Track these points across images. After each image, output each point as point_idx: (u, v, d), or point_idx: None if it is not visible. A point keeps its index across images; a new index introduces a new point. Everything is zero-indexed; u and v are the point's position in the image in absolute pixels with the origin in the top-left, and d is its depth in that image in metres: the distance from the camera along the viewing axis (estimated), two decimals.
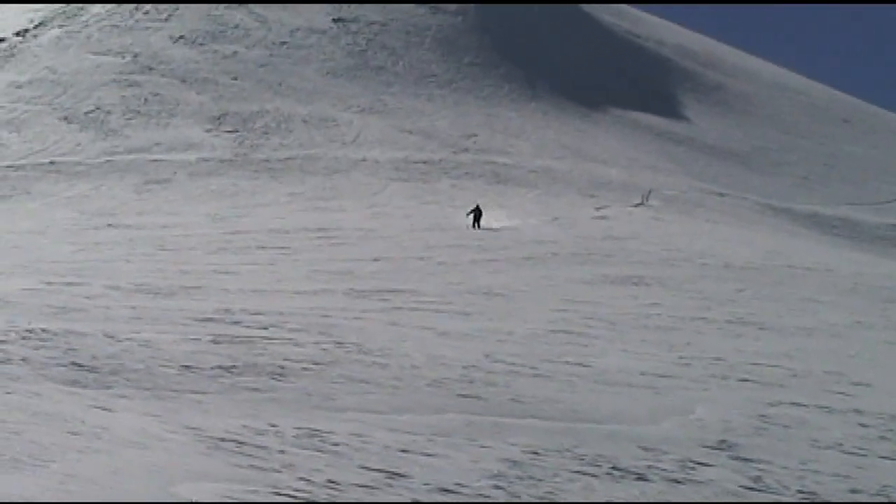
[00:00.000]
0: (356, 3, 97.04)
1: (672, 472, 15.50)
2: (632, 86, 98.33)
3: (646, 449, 16.45)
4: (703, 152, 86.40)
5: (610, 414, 18.53)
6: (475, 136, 77.18)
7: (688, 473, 15.53)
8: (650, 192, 65.38)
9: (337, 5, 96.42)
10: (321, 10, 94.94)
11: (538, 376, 21.41)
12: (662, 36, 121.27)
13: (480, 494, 13.88)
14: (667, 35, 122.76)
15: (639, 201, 62.78)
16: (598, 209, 59.58)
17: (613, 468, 15.38)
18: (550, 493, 14.19)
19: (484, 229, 48.71)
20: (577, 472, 15.15)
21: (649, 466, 15.60)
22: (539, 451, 15.89)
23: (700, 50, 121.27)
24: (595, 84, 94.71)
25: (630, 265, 42.08)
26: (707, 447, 16.87)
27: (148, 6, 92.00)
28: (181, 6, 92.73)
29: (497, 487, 14.22)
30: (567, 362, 23.17)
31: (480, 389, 19.92)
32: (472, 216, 54.63)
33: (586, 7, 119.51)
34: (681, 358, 24.53)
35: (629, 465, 15.58)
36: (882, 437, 18.38)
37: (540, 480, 14.66)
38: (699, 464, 15.95)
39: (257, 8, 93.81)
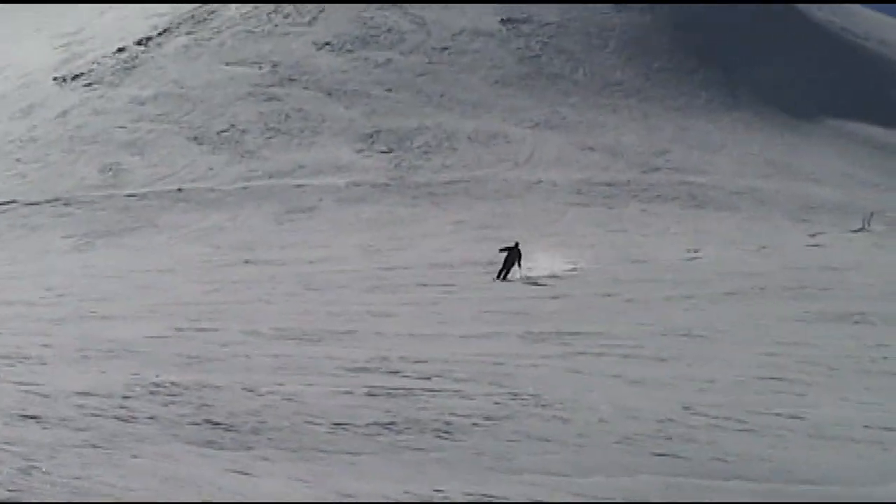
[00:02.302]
0: (529, 3, 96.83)
1: None
2: (849, 92, 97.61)
3: None
4: None
5: (829, 474, 18.41)
6: (667, 152, 77.03)
7: None
8: (872, 214, 64.87)
9: (507, 5, 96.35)
10: (488, 9, 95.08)
11: (745, 431, 21.29)
12: (884, 35, 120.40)
13: None
14: (890, 33, 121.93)
15: (859, 226, 62.33)
16: (811, 236, 59.29)
17: None
18: None
19: (530, 278, 46.85)
20: None
21: None
22: None
23: None
24: (805, 91, 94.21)
25: (851, 300, 41.69)
26: None
27: (289, 7, 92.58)
28: (326, 7, 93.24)
29: None
30: (778, 414, 23.01)
31: (678, 447, 19.85)
32: (505, 257, 48.66)
33: (798, 4, 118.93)
34: None
35: None
36: None
37: None
38: None
39: (414, 8, 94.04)
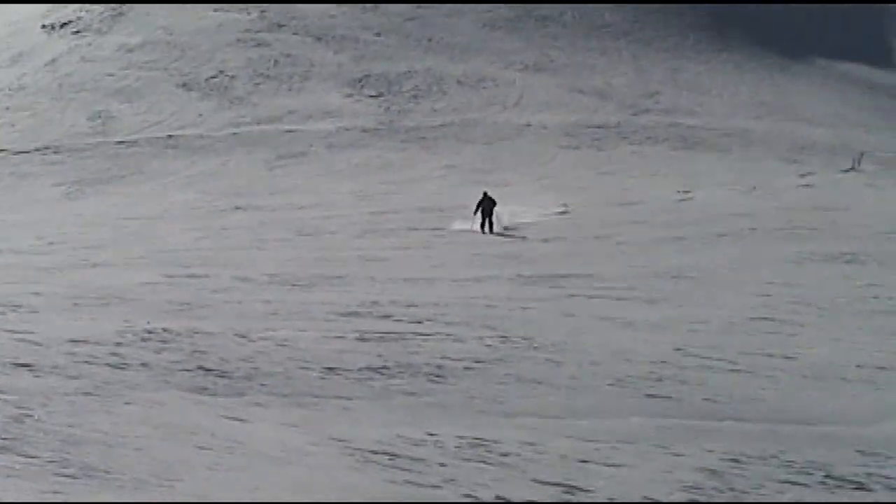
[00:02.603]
0: None
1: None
2: (839, 31, 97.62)
3: (865, 453, 16.38)
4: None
5: (822, 414, 18.47)
6: (657, 94, 77.05)
7: None
8: (862, 154, 64.98)
9: None
10: None
11: (737, 371, 21.36)
12: None
13: None
14: None
15: (850, 166, 62.41)
16: (802, 176, 59.34)
17: (827, 476, 15.33)
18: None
19: (509, 229, 45.46)
20: (786, 481, 15.10)
21: (870, 474, 15.54)
22: (740, 459, 15.87)
23: None
24: (796, 30, 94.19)
25: (842, 241, 41.77)
26: None
27: None
28: None
29: (693, 502, 14.22)
30: (770, 355, 23.07)
31: (671, 388, 19.91)
32: (479, 212, 47.17)
33: None
34: None
35: (846, 473, 15.52)
36: None
37: (743, 493, 14.65)
38: None
39: None
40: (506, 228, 45.54)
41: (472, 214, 46.78)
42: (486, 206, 46.32)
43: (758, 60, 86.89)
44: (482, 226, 46.03)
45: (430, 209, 49.63)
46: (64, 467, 14.40)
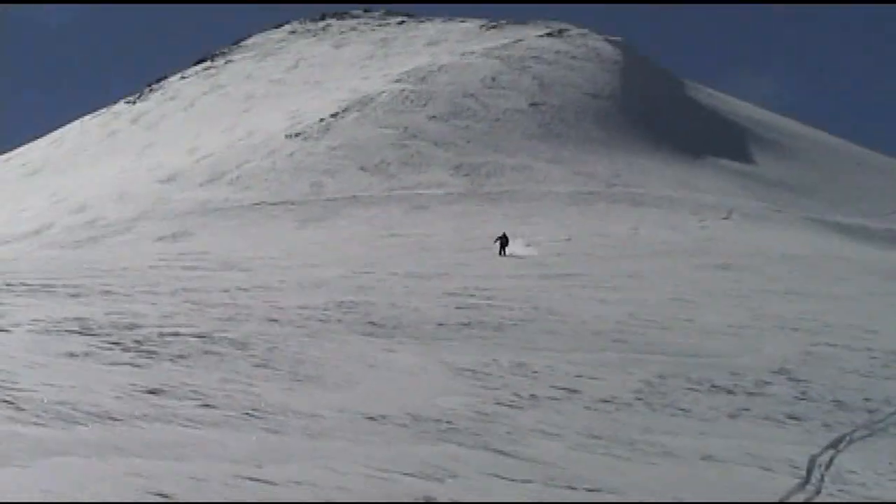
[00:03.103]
0: (545, 94, 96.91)
1: (749, 388, 15.47)
2: (720, 143, 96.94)
3: (732, 373, 16.42)
4: (765, 184, 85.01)
5: (710, 351, 18.49)
6: (619, 175, 76.67)
7: (759, 389, 15.48)
8: (732, 210, 64.64)
9: (531, 94, 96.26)
10: (521, 96, 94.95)
11: (663, 328, 21.36)
12: (737, 110, 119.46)
13: (627, 404, 13.92)
14: (741, 109, 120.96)
15: (725, 216, 62.14)
16: (700, 221, 58.91)
17: (712, 386, 15.38)
18: (673, 402, 14.20)
19: (510, 256, 43.74)
20: (689, 388, 15.17)
21: (735, 385, 15.60)
22: (665, 376, 15.90)
23: (762, 118, 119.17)
24: (700, 143, 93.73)
25: (721, 257, 41.62)
26: (772, 372, 16.80)
27: (413, 96, 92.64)
28: (435, 95, 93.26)
29: (638, 399, 14.26)
30: (682, 319, 23.08)
31: (627, 336, 19.93)
32: (499, 243, 45.90)
33: (690, 89, 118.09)
34: (754, 316, 24.30)
35: (722, 384, 15.57)
36: (885, 366, 18.22)
37: (665, 394, 14.69)
38: (766, 383, 15.91)
39: (482, 96, 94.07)
40: (510, 254, 44.77)
41: (493, 243, 46.17)
42: (503, 240, 45.48)
43: (676, 159, 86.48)
44: (500, 252, 44.76)
45: (494, 237, 49.61)
46: (294, 376, 14.53)
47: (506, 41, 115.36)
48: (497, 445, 11.23)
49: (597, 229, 52.98)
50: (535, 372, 15.80)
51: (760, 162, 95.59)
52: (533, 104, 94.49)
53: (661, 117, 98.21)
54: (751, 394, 15.09)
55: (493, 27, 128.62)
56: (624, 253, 42.67)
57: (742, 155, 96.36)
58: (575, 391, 14.50)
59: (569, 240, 48.43)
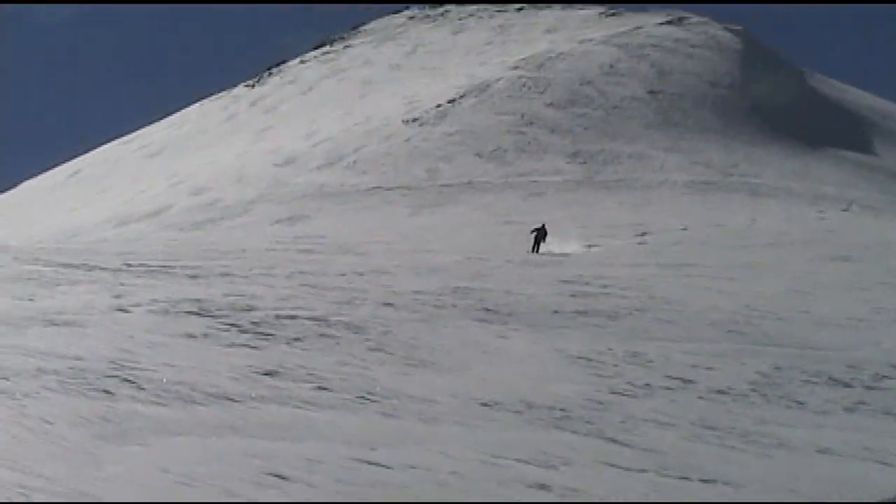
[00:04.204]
0: (664, 82, 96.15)
1: (867, 381, 15.23)
2: (840, 133, 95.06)
3: (849, 366, 16.15)
4: (886, 175, 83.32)
5: (827, 344, 18.20)
6: (737, 165, 75.70)
7: (877, 382, 15.24)
8: (852, 201, 63.51)
9: (649, 82, 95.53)
10: (639, 85, 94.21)
11: (780, 320, 21.07)
12: (858, 100, 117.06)
13: (743, 395, 13.81)
14: (862, 99, 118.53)
15: (845, 207, 61.08)
16: (819, 212, 57.98)
17: (829, 378, 15.17)
18: (788, 393, 14.06)
19: (543, 254, 39.10)
20: (805, 381, 14.98)
21: (852, 378, 15.36)
22: (781, 367, 15.71)
23: (884, 108, 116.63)
24: (820, 133, 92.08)
25: (841, 248, 40.80)
26: (891, 366, 16.49)
27: (530, 83, 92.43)
28: (552, 82, 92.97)
29: (753, 390, 14.13)
30: (798, 311, 22.74)
31: (742, 327, 19.71)
32: (534, 236, 41.09)
33: (810, 78, 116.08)
34: (873, 309, 23.81)
35: (839, 377, 15.34)
36: None
37: (780, 386, 14.53)
38: (884, 377, 15.62)
39: (598, 83, 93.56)
40: (545, 252, 39.75)
41: (528, 234, 41.08)
42: (540, 233, 40.70)
43: (795, 147, 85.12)
44: (533, 248, 39.96)
45: (610, 226, 49.26)
46: (409, 360, 14.65)
47: (625, 29, 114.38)
48: (610, 434, 11.23)
49: (713, 219, 52.37)
50: (650, 361, 15.74)
51: (882, 153, 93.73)
52: (651, 92, 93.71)
53: (780, 106, 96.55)
54: (868, 387, 14.86)
55: (612, 14, 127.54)
56: (741, 243, 42.05)
57: (863, 145, 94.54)
58: (689, 381, 14.43)
59: (685, 229, 47.93)
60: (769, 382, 14.67)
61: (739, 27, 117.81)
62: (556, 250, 39.93)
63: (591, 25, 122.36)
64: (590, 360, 15.53)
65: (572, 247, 40.68)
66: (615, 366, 15.22)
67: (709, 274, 30.85)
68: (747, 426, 12.08)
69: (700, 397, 13.53)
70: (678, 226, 48.97)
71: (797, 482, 10.01)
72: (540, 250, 40.16)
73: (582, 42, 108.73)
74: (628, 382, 14.05)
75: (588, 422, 11.70)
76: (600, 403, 12.68)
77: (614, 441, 10.97)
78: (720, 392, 13.88)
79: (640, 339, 17.64)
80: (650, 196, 63.53)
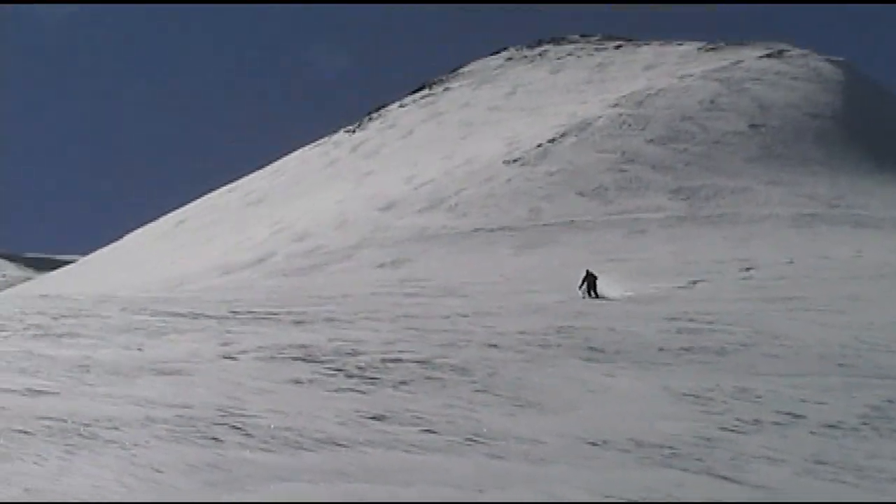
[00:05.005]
0: (765, 115, 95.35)
1: None
2: None
3: None
4: None
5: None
6: (842, 197, 74.64)
7: None
8: None
9: (750, 115, 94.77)
10: (740, 118, 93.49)
11: (890, 352, 20.71)
12: None
13: (854, 429, 13.59)
14: None
15: None
16: None
17: None
18: None
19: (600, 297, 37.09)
20: None
21: None
22: (892, 400, 15.45)
23: None
24: None
25: None
26: None
27: (630, 120, 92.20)
28: (652, 119, 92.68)
29: (864, 424, 13.90)
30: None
31: (851, 360, 19.42)
32: (585, 285, 38.84)
33: None
34: None
35: None
36: None
37: (892, 419, 14.31)
38: None
39: (700, 118, 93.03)
40: (602, 295, 37.93)
41: (578, 289, 38.31)
42: (590, 280, 38.51)
43: None
44: (588, 294, 37.81)
45: (714, 261, 48.83)
46: (515, 401, 14.62)
47: (724, 63, 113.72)
48: (721, 471, 11.12)
49: (819, 251, 51.65)
50: (759, 396, 15.55)
51: None
52: (752, 126, 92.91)
53: (883, 137, 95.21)
54: None
55: (712, 49, 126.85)
56: (847, 275, 41.43)
57: None
58: (799, 416, 14.23)
59: (791, 262, 47.36)
60: (881, 416, 14.42)
61: (841, 58, 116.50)
62: (614, 295, 37.91)
63: (690, 61, 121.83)
64: (697, 396, 15.39)
65: (615, 292, 38.57)
66: (723, 402, 15.06)
67: (815, 307, 30.43)
68: (859, 461, 11.88)
69: (811, 432, 13.34)
70: (783, 259, 48.40)
71: None
72: (597, 294, 38.17)
73: (681, 78, 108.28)
74: (737, 418, 13.89)
75: (697, 459, 11.59)
76: (709, 440, 12.56)
77: (725, 478, 10.85)
78: (831, 426, 13.66)
79: (747, 375, 17.45)
80: (754, 230, 62.84)
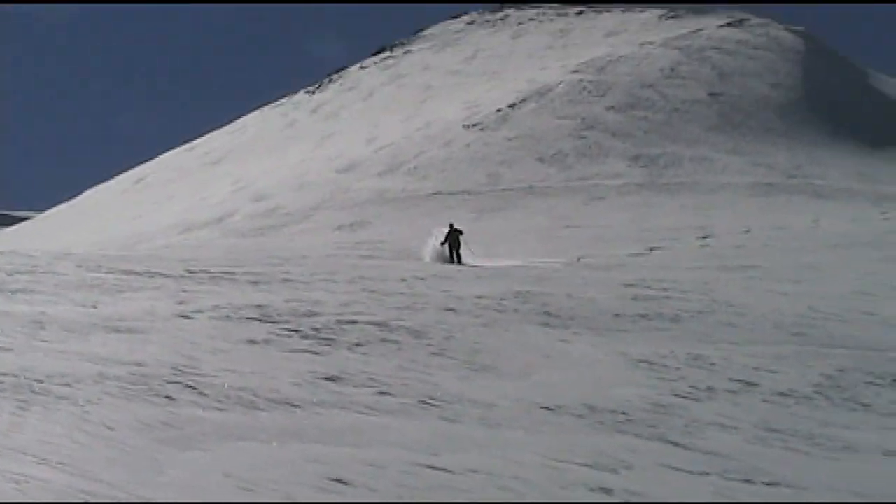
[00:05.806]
0: (725, 84, 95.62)
1: None
2: None
3: None
4: None
5: (892, 345, 18.01)
6: (801, 167, 75.04)
7: None
8: None
9: (710, 84, 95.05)
10: (700, 87, 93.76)
11: (844, 321, 20.88)
12: None
13: (807, 397, 13.68)
14: None
15: None
16: (882, 213, 57.29)
17: (894, 380, 14.98)
18: (853, 396, 13.91)
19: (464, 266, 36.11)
20: (870, 382, 14.81)
21: None
22: (845, 369, 15.55)
23: None
24: (883, 133, 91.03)
25: None
26: None
27: (591, 87, 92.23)
28: (613, 86, 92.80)
29: (817, 392, 14.00)
30: (863, 312, 22.51)
31: (806, 329, 19.54)
32: (447, 245, 36.97)
33: (873, 78, 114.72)
34: None
35: None
36: None
37: (845, 388, 14.38)
38: None
39: (660, 86, 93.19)
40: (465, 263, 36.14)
41: (440, 244, 37.13)
42: (451, 239, 36.77)
43: (858, 149, 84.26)
44: (451, 258, 36.19)
45: (669, 228, 49.03)
46: (470, 365, 14.64)
47: (685, 31, 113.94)
48: (673, 437, 11.16)
49: (776, 221, 51.93)
50: (713, 364, 15.62)
51: None
52: (712, 94, 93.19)
53: (842, 107, 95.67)
54: None
55: (672, 17, 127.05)
56: (804, 245, 41.67)
57: None
58: (753, 384, 14.30)
59: (748, 231, 47.59)
60: (834, 385, 14.51)
61: (801, 28, 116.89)
62: (473, 263, 36.58)
63: (650, 28, 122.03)
64: (652, 363, 15.44)
65: (480, 261, 36.68)
66: (677, 369, 15.12)
67: (772, 276, 30.62)
68: (812, 429, 11.95)
69: (764, 400, 13.41)
70: (740, 228, 48.65)
71: (863, 485, 9.90)
72: (459, 258, 37.16)
73: (642, 45, 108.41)
74: (691, 386, 13.96)
75: (650, 425, 11.63)
76: (663, 407, 12.60)
77: (677, 444, 10.89)
78: (784, 395, 13.74)
79: (702, 342, 17.52)
80: (712, 199, 63.11)
